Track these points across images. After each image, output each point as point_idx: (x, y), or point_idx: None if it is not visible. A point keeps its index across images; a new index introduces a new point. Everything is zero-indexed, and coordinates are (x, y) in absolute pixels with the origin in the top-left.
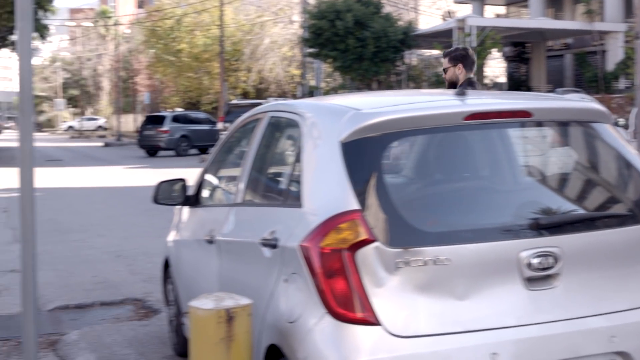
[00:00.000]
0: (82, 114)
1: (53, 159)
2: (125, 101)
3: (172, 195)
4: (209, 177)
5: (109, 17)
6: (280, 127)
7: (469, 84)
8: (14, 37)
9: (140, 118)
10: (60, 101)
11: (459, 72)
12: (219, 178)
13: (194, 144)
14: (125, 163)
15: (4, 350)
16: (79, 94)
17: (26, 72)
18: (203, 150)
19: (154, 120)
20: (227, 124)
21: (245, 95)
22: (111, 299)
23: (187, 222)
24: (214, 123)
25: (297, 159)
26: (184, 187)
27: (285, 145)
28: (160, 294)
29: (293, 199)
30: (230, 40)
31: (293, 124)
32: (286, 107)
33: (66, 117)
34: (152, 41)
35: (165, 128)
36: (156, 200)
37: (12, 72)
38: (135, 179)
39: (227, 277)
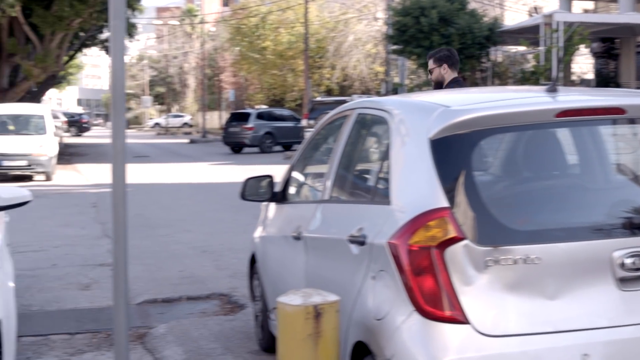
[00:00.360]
0: (168, 111)
1: (140, 155)
2: (210, 98)
3: (259, 191)
4: (296, 174)
5: (195, 16)
6: (367, 124)
7: (456, 83)
8: (103, 36)
9: (225, 115)
10: (147, 98)
11: (444, 72)
12: (306, 175)
13: (278, 140)
14: (210, 159)
15: (94, 343)
16: (165, 92)
17: (119, 70)
18: (287, 147)
19: (238, 117)
20: (311, 121)
21: (329, 92)
22: (198, 293)
23: (274, 219)
24: (298, 120)
25: (385, 156)
26: (271, 184)
27: (373, 142)
28: (246, 290)
29: (381, 196)
30: (315, 37)
31: (381, 121)
32: (374, 104)
33: (153, 114)
34: (237, 39)
35: (249, 125)
36: (243, 196)
37: (101, 70)
38: (220, 175)
39: (314, 273)
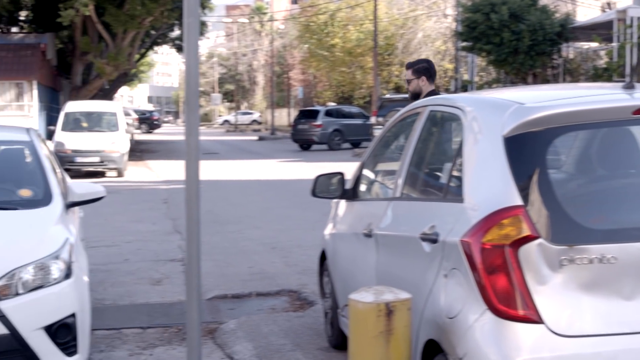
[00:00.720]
0: (238, 108)
1: (210, 152)
2: (279, 96)
3: (329, 188)
4: (367, 171)
5: (264, 13)
6: (440, 121)
7: (433, 95)
8: (173, 34)
9: (294, 112)
10: (217, 96)
11: (422, 84)
12: (377, 172)
13: (347, 138)
14: (279, 156)
15: (165, 337)
16: (234, 89)
17: (192, 67)
18: (356, 144)
19: (307, 115)
20: (380, 119)
21: (397, 89)
22: (267, 289)
23: (344, 216)
24: (367, 117)
25: (458, 154)
26: (342, 181)
27: (445, 140)
28: (315, 286)
29: (453, 193)
30: (383, 34)
31: (453, 118)
32: (446, 102)
33: (222, 112)
34: (306, 36)
35: (318, 122)
36: (314, 193)
37: (172, 68)
38: (289, 172)
39: (385, 271)
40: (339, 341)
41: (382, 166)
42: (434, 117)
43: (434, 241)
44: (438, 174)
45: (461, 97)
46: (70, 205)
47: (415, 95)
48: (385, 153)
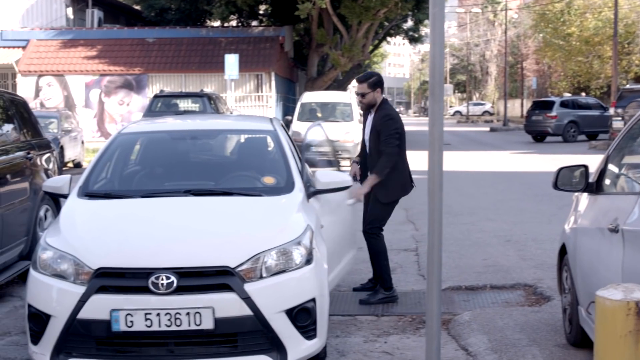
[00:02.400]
0: (469, 99)
1: (442, 143)
2: (512, 86)
3: (572, 181)
4: (612, 164)
5: (498, 3)
6: None
7: (387, 103)
8: (406, 25)
9: (527, 103)
10: (449, 86)
11: (377, 96)
12: (623, 165)
13: (583, 129)
14: (512, 148)
15: (399, 326)
16: (466, 79)
17: (437, 58)
18: (592, 136)
19: (541, 106)
20: (619, 110)
21: (638, 79)
22: (501, 283)
23: (587, 210)
24: (604, 109)
25: None
26: (585, 174)
27: None
28: (550, 281)
29: None
30: (623, 22)
31: None
32: None
33: (453, 102)
34: (540, 26)
35: (553, 113)
36: (556, 185)
37: (403, 59)
38: (522, 164)
39: (632, 268)
40: (578, 339)
41: (629, 159)
42: None
43: None
44: None
45: None
46: (313, 193)
47: (370, 107)
48: (633, 145)
